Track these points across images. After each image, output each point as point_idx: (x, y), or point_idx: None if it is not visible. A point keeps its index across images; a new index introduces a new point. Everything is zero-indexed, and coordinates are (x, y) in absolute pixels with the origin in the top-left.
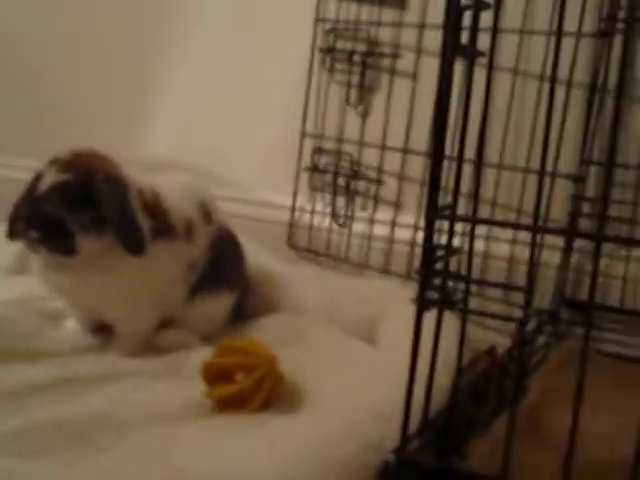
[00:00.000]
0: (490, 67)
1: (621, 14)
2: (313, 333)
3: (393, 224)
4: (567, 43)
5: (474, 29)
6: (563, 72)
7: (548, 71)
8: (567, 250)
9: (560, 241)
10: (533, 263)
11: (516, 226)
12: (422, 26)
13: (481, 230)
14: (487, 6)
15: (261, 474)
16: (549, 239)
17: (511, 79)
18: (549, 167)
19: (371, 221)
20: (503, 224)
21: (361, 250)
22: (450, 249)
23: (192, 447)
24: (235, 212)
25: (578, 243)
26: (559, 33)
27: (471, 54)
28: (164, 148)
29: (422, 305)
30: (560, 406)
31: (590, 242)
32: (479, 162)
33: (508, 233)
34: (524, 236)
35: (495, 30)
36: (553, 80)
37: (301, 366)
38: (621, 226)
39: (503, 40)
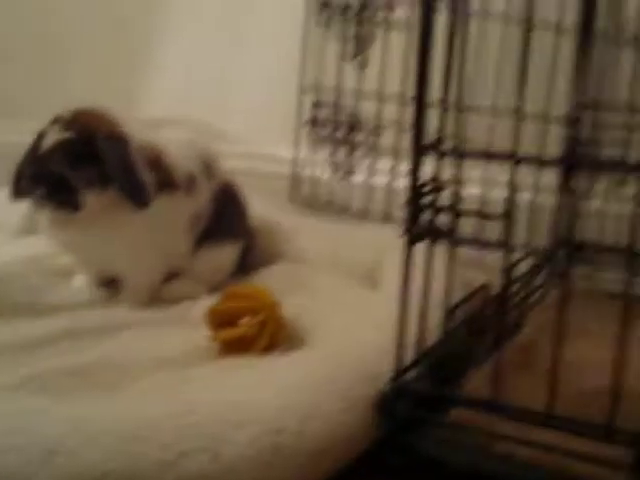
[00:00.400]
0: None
1: None
2: (315, 280)
3: (393, 172)
4: None
5: None
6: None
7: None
8: (564, 185)
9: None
10: (513, 189)
11: (498, 156)
12: None
13: (475, 173)
14: None
15: (263, 402)
16: (545, 180)
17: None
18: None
19: (371, 171)
20: (487, 155)
21: (362, 199)
22: (437, 183)
23: (198, 383)
24: (237, 167)
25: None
26: None
27: None
28: (165, 106)
29: (411, 237)
30: (553, 343)
31: (585, 183)
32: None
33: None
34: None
35: None
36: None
37: (303, 310)
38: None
39: None
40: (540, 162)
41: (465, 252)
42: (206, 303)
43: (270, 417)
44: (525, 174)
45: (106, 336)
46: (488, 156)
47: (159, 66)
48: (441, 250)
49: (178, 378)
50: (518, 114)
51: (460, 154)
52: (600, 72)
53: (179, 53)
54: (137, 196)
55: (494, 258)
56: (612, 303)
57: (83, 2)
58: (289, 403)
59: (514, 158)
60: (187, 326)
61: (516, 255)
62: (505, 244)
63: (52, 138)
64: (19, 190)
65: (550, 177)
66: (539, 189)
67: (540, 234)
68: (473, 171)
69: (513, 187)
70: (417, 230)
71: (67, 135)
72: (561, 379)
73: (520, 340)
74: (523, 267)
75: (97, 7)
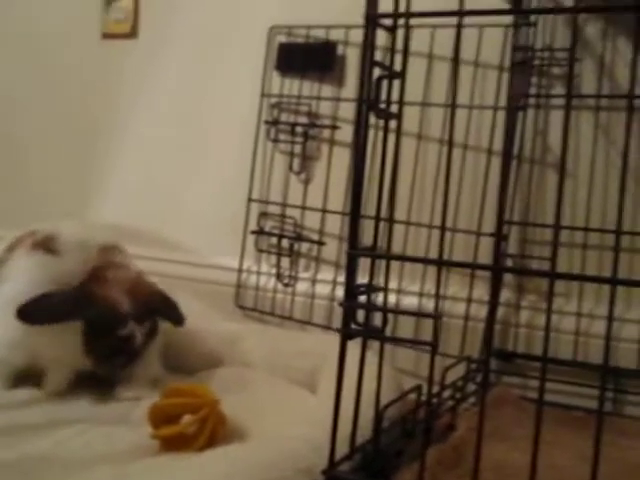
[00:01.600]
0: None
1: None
2: (256, 382)
3: (334, 283)
4: (487, 115)
5: (388, 93)
6: (485, 141)
7: (471, 141)
8: (493, 294)
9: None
10: (438, 296)
11: (427, 261)
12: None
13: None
14: (398, 75)
15: None
16: (477, 292)
17: (438, 148)
18: (475, 227)
19: (314, 281)
20: (415, 260)
21: (304, 308)
22: (371, 285)
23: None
24: (185, 275)
25: (503, 297)
26: (453, 106)
27: (386, 115)
28: (118, 210)
29: (346, 334)
30: (483, 445)
31: (514, 294)
32: (392, 204)
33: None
34: (455, 291)
35: (401, 100)
36: (450, 147)
37: (243, 410)
38: (542, 281)
39: (429, 112)
40: (468, 266)
41: (402, 355)
42: (149, 401)
43: None
44: (460, 287)
45: (46, 432)
46: (417, 260)
47: (115, 172)
48: (375, 351)
49: (115, 474)
50: (443, 229)
51: (390, 257)
52: (528, 191)
53: (131, 165)
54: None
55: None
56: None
57: (43, 107)
58: None
59: (442, 263)
60: (129, 424)
61: (450, 361)
62: (433, 344)
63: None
64: None
65: (483, 291)
66: (472, 300)
67: (474, 344)
68: (412, 286)
69: (438, 287)
70: (351, 328)
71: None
72: (485, 477)
73: (452, 441)
74: (457, 372)
75: (57, 112)
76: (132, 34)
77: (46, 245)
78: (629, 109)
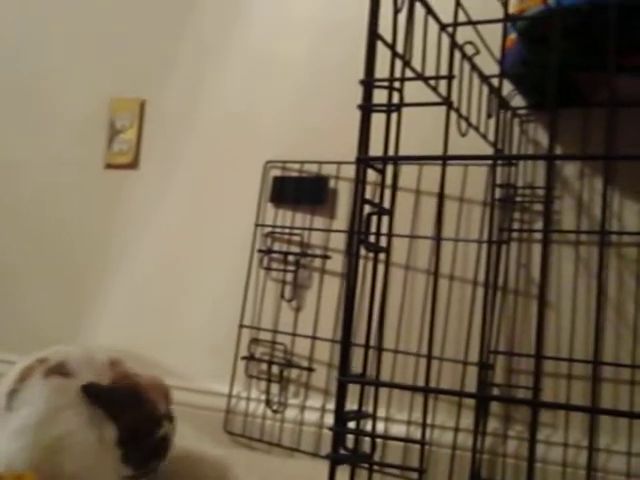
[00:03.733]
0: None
1: (514, 226)
2: None
3: (323, 410)
4: (473, 248)
5: (378, 228)
6: (471, 272)
7: (457, 272)
8: (477, 421)
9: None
10: (425, 425)
11: (414, 388)
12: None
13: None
14: (387, 212)
15: None
16: (464, 422)
17: (426, 279)
18: (462, 356)
19: (303, 407)
20: (402, 387)
21: (293, 435)
22: (360, 411)
23: None
24: (175, 399)
25: (491, 426)
26: (438, 237)
27: (375, 249)
28: (110, 335)
29: (334, 459)
30: None
31: (501, 424)
32: (380, 334)
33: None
34: (442, 420)
35: (390, 232)
36: (436, 278)
37: None
38: (529, 411)
39: (417, 245)
40: (453, 393)
41: None
42: None
43: None
44: (448, 416)
45: None
46: (405, 387)
47: (108, 298)
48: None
49: None
50: (429, 357)
51: (379, 384)
52: (513, 322)
53: (129, 288)
54: None
55: None
56: None
57: (38, 233)
58: None
59: (428, 390)
60: None
61: None
62: (420, 470)
63: None
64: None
65: (470, 420)
66: (459, 429)
67: (463, 474)
68: (400, 414)
69: (424, 413)
70: (340, 453)
71: None
72: None
73: None
74: None
75: (52, 238)
76: (134, 164)
77: (60, 370)
78: (601, 244)
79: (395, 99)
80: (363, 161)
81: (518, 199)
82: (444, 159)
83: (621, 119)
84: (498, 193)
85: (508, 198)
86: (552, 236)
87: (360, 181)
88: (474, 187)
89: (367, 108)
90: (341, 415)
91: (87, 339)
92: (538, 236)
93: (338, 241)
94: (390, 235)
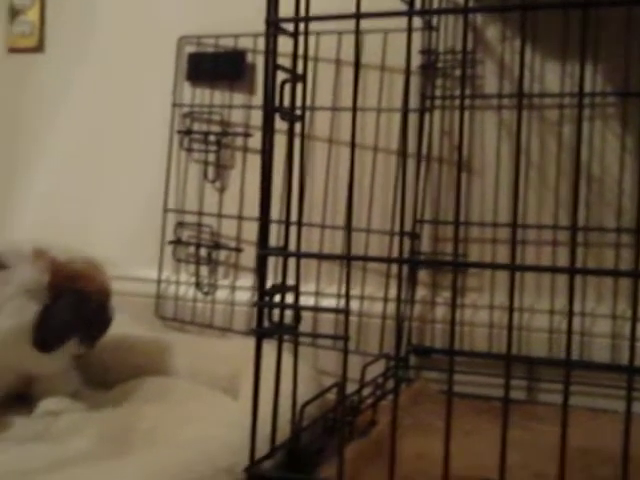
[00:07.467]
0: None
1: (437, 93)
2: (178, 391)
3: (253, 289)
4: (396, 118)
5: (293, 96)
6: (394, 142)
7: (381, 143)
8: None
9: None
10: (348, 289)
11: (335, 257)
12: None
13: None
14: (301, 78)
15: None
16: (393, 292)
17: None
18: (388, 226)
19: (233, 288)
20: (324, 256)
21: (225, 315)
22: (284, 284)
23: None
24: None
25: (419, 294)
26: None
27: (290, 117)
28: (30, 229)
29: (260, 333)
30: (404, 437)
31: (429, 291)
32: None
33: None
34: (372, 291)
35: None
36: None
37: (165, 419)
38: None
39: (339, 117)
40: (376, 260)
41: (324, 357)
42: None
43: None
44: (377, 287)
45: None
46: (327, 257)
47: (24, 190)
48: (290, 351)
49: None
50: (349, 227)
51: (300, 255)
52: (438, 191)
53: (46, 177)
54: None
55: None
56: (459, 402)
57: None
58: None
59: (350, 258)
60: (50, 439)
61: (369, 359)
62: (344, 337)
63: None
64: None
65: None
66: (388, 300)
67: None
68: (329, 288)
69: (347, 282)
70: (264, 327)
71: None
72: (406, 467)
73: (372, 435)
74: (377, 371)
75: None
76: (39, 47)
77: None
78: (519, 107)
79: None
80: (272, 23)
81: (440, 65)
82: (357, 17)
83: None
84: (419, 60)
85: (430, 64)
86: (475, 102)
87: (271, 45)
88: (395, 55)
89: None
90: (263, 289)
91: (10, 232)
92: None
93: (259, 118)
94: (304, 105)
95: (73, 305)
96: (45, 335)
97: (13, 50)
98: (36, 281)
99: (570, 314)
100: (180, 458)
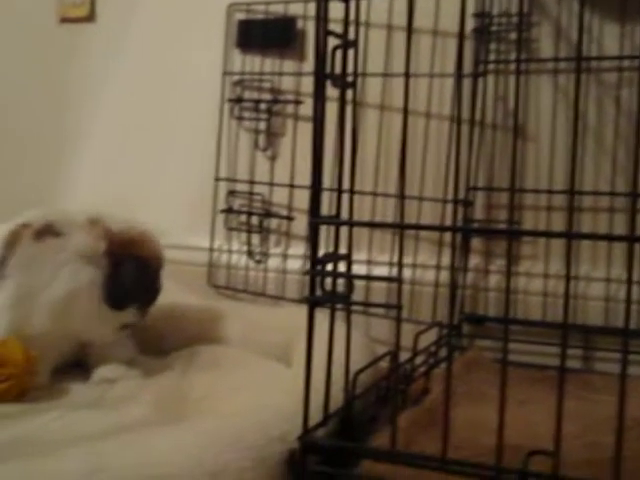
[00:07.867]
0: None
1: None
2: (231, 359)
3: (305, 257)
4: (449, 83)
5: (344, 62)
6: (447, 108)
7: (434, 109)
8: (453, 253)
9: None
10: (400, 259)
11: (388, 225)
12: None
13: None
14: (353, 44)
15: (171, 463)
16: (446, 260)
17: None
18: (441, 194)
19: (285, 256)
20: (377, 225)
21: (277, 284)
22: (336, 252)
23: (116, 451)
24: None
25: (472, 262)
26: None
27: (342, 84)
28: (84, 198)
29: (312, 302)
30: (457, 405)
31: (482, 259)
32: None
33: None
34: (424, 259)
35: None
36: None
37: (218, 387)
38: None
39: (391, 83)
40: (429, 228)
41: (377, 326)
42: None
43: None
44: (430, 255)
45: (29, 418)
46: (379, 225)
47: (76, 160)
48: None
49: (89, 452)
50: (402, 195)
51: (352, 224)
52: (492, 157)
53: (99, 148)
54: None
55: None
56: (513, 371)
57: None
58: (197, 464)
59: (403, 227)
60: (106, 406)
61: (421, 327)
62: (397, 306)
63: None
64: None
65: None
66: (441, 267)
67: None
68: (382, 257)
69: (401, 251)
70: (317, 295)
71: None
72: (459, 435)
73: (426, 403)
74: (430, 339)
75: (17, 101)
76: (90, 17)
77: (50, 231)
78: (577, 71)
79: None
80: None
81: (494, 28)
82: None
83: None
84: (473, 23)
85: (483, 28)
86: (530, 66)
87: (322, 11)
88: (448, 18)
89: None
90: (316, 257)
91: (63, 202)
92: (515, 67)
93: (310, 85)
94: (356, 71)
95: (134, 271)
96: (116, 293)
97: (64, 20)
98: (92, 248)
99: (629, 282)
100: (233, 426)
